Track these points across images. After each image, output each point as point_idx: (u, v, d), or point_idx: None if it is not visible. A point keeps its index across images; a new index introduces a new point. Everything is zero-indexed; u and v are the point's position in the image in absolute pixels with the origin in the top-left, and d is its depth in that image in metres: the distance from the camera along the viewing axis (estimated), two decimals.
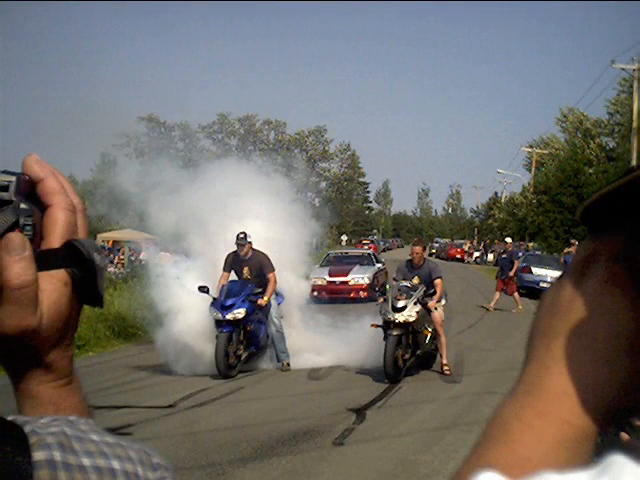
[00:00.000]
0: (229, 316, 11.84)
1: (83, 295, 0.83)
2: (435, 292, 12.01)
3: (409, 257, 12.55)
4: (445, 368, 12.18)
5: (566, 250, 25.70)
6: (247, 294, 12.21)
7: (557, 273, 24.08)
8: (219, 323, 11.91)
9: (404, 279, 12.17)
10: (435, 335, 12.17)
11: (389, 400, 10.39)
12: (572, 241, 24.97)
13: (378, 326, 11.85)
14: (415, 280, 11.99)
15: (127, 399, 10.38)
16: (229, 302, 11.98)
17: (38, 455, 0.66)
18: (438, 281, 12.14)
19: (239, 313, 11.92)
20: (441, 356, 12.33)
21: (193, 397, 10.54)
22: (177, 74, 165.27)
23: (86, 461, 0.68)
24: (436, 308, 12.10)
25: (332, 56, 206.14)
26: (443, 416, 9.39)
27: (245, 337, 12.31)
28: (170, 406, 9.92)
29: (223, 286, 12.34)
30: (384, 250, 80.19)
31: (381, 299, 12.25)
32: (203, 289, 12.07)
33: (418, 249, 12.30)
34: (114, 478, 0.70)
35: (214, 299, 12.07)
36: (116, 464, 0.71)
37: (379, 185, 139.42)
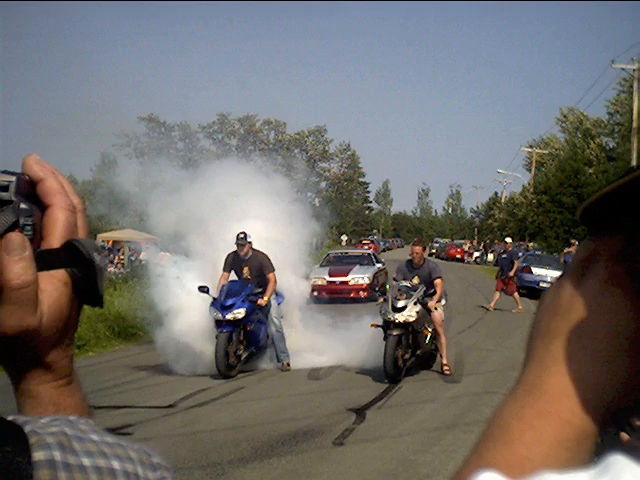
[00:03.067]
0: (229, 316, 11.83)
1: (83, 295, 0.83)
2: (435, 292, 12.03)
3: (409, 257, 12.57)
4: (445, 368, 12.17)
5: (566, 250, 25.67)
6: (247, 294, 12.20)
7: (557, 273, 24.05)
8: (219, 323, 11.90)
9: (404, 279, 12.18)
10: (435, 335, 12.17)
11: (389, 400, 10.39)
12: (572, 241, 24.93)
13: (378, 326, 11.85)
14: (415, 280, 12.00)
15: (127, 399, 10.38)
16: (229, 302, 11.97)
17: (38, 455, 0.66)
18: (438, 281, 12.15)
19: (239, 313, 11.91)
20: (441, 356, 12.32)
21: (193, 397, 10.54)
22: (177, 74, 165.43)
23: (86, 461, 0.68)
24: (436, 308, 12.10)
25: (332, 56, 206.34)
26: (443, 416, 9.39)
27: (245, 337, 12.31)
28: (170, 406, 9.92)
29: (223, 286, 12.33)
30: (384, 250, 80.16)
31: (381, 299, 12.26)
32: (203, 289, 12.07)
33: (418, 249, 12.31)
34: (114, 478, 0.69)
35: (214, 299, 12.07)
36: (116, 464, 0.70)
37: (379, 185, 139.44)
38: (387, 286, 14.38)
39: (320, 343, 13.40)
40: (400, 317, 11.44)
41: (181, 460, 7.14)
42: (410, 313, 11.51)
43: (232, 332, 11.92)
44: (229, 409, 9.87)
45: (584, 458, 0.63)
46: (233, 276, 12.75)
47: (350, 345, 12.89)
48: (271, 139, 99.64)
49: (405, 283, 11.97)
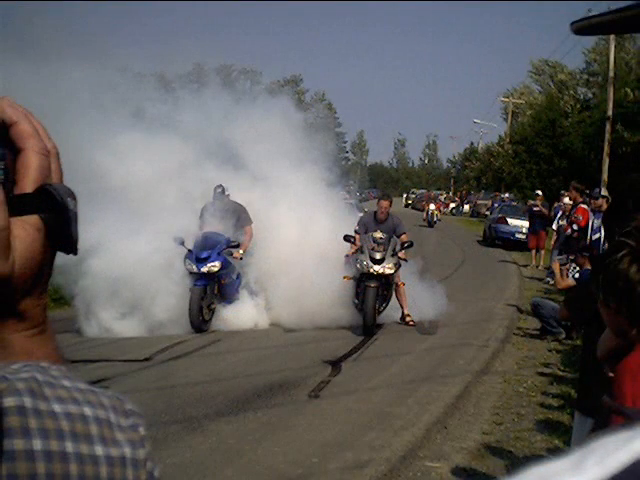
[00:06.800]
0: (204, 269, 11.75)
1: (57, 242, 0.82)
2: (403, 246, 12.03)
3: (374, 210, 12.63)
4: (408, 318, 12.23)
5: (530, 202, 25.39)
6: (222, 247, 12.11)
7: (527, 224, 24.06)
8: (193, 276, 11.83)
9: (366, 232, 12.14)
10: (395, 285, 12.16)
11: (364, 353, 10.48)
12: (537, 192, 24.52)
13: (351, 278, 11.84)
14: (377, 234, 11.92)
15: (103, 352, 10.37)
16: (204, 254, 11.85)
17: (8, 401, 0.66)
18: (404, 237, 12.20)
19: (214, 266, 11.82)
20: (402, 307, 12.34)
21: (169, 350, 10.53)
22: (150, 23, 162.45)
23: (57, 407, 0.68)
24: (405, 260, 12.20)
25: (307, 6, 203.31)
26: (418, 368, 9.49)
27: (219, 291, 12.23)
28: (146, 359, 9.92)
29: (197, 237, 12.19)
30: (360, 201, 79.76)
31: (352, 250, 12.13)
32: (178, 240, 11.84)
33: (385, 203, 12.31)
34: (86, 424, 0.69)
35: (189, 251, 11.91)
36: (88, 410, 0.71)
37: (354, 136, 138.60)
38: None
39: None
40: (380, 269, 11.48)
41: (157, 414, 7.15)
42: (389, 265, 11.55)
43: (206, 286, 11.87)
44: (205, 362, 9.90)
45: None
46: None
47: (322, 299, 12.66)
48: (247, 89, 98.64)
49: (380, 235, 11.93)
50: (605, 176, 27.38)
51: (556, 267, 9.01)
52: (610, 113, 29.22)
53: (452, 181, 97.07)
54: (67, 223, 0.79)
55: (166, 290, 11.82)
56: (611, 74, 29.63)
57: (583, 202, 16.13)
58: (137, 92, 14.73)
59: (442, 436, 6.94)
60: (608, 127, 29.26)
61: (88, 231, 9.44)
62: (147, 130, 13.46)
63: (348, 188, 29.30)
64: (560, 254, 14.69)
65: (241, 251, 12.38)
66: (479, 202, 54.79)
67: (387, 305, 12.06)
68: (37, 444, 0.65)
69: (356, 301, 11.82)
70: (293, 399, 8.01)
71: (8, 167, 0.78)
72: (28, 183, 0.79)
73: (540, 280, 18.73)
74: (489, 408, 7.95)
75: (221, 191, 12.51)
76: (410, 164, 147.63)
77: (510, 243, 28.24)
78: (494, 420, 7.50)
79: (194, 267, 11.75)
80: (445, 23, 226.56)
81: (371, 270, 11.48)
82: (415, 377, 8.96)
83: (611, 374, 2.34)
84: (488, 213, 39.12)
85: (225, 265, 12.04)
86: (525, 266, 22.46)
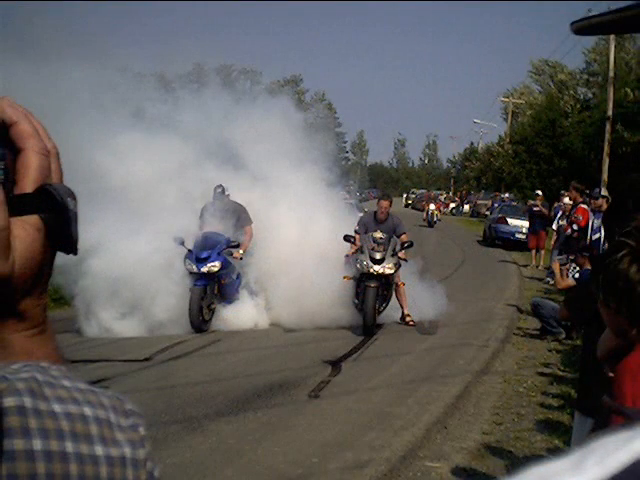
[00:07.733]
0: (204, 269, 11.75)
1: (57, 242, 0.81)
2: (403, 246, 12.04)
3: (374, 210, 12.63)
4: (408, 318, 12.22)
5: (530, 202, 25.35)
6: (222, 247, 12.11)
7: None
8: (193, 276, 11.83)
9: (366, 232, 12.14)
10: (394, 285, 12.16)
11: (364, 352, 10.47)
12: (537, 192, 24.46)
13: (351, 278, 11.83)
14: (377, 234, 11.93)
15: (103, 352, 10.36)
16: (204, 254, 11.86)
17: (8, 401, 0.65)
18: (404, 237, 12.20)
19: (214, 266, 11.83)
20: (402, 307, 12.33)
21: (169, 350, 10.53)
22: (153, 24, 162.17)
23: (57, 407, 0.68)
24: (406, 260, 12.20)
25: (306, 6, 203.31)
26: (418, 368, 9.49)
27: (219, 291, 12.23)
28: (146, 359, 9.92)
29: (197, 237, 12.20)
30: (360, 201, 79.70)
31: (352, 250, 12.13)
32: (178, 240, 11.84)
33: (385, 203, 12.30)
34: (86, 424, 0.69)
35: (189, 251, 11.92)
36: (88, 410, 0.70)
37: (354, 136, 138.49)
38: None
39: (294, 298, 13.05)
40: (380, 269, 11.47)
41: (157, 414, 7.15)
42: (389, 265, 11.55)
43: (206, 286, 11.87)
44: (205, 362, 9.90)
45: None
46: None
47: (323, 299, 12.63)
48: (247, 89, 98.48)
49: (380, 235, 11.92)
50: (605, 176, 27.37)
51: (556, 267, 9.01)
52: (610, 113, 29.20)
53: (452, 181, 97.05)
54: (67, 223, 0.79)
55: (166, 290, 11.83)
56: (611, 74, 29.60)
57: (583, 202, 16.12)
58: (137, 92, 14.74)
59: (442, 436, 6.94)
60: (608, 127, 29.24)
61: (88, 231, 9.45)
62: (147, 130, 13.47)
63: (348, 188, 29.26)
64: (560, 254, 14.69)
65: (241, 251, 12.37)
66: (479, 202, 54.78)
67: (387, 305, 12.05)
68: (37, 444, 0.65)
69: (356, 301, 11.83)
70: (293, 399, 8.01)
71: (8, 167, 0.78)
72: (28, 183, 0.79)
73: (540, 280, 18.73)
74: (489, 408, 7.95)
75: (221, 191, 12.51)
76: (410, 164, 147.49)
77: (510, 243, 28.23)
78: (494, 420, 7.50)
79: (194, 267, 11.75)
80: (445, 23, 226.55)
81: (371, 270, 11.48)
82: (415, 377, 8.96)
83: (611, 374, 2.34)
84: (488, 213, 39.11)
85: (225, 265, 12.04)
86: (525, 266, 22.46)
